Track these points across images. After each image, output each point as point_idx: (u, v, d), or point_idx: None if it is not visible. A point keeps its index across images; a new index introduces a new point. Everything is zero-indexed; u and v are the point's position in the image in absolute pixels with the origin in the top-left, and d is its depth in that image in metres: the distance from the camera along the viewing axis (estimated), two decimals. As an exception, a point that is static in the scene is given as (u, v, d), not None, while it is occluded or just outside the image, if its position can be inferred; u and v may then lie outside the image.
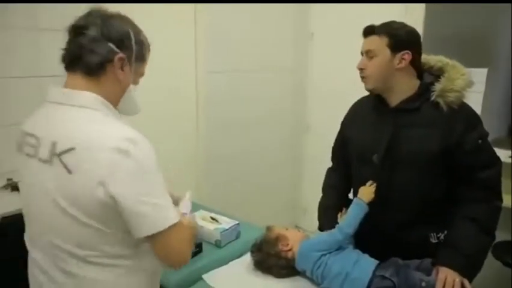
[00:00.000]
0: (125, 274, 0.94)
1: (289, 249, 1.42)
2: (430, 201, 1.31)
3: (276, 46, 2.72)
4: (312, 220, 1.62)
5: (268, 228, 1.53)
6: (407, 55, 1.26)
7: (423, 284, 1.20)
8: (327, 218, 1.44)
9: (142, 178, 0.85)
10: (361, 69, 1.31)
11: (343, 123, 1.55)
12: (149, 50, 1.02)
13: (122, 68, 0.93)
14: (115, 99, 0.96)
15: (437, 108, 1.25)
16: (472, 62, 1.44)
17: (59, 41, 0.93)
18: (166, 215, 0.88)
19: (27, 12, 1.81)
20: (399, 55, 1.26)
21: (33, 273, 0.98)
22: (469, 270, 1.24)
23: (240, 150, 2.61)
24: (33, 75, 1.88)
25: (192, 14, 2.24)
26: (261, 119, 2.72)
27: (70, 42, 0.92)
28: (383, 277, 1.23)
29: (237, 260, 1.60)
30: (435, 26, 2.40)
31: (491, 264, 1.92)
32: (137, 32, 0.97)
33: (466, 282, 1.21)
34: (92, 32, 0.90)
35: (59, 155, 0.85)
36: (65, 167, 0.84)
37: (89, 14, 0.93)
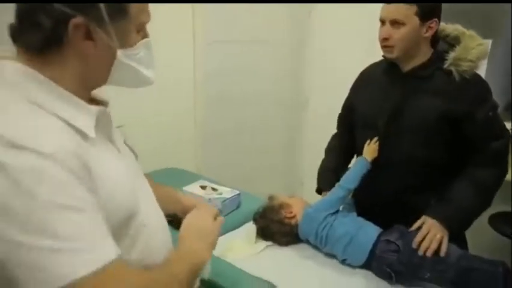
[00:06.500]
0: None
1: (293, 216, 1.42)
2: (434, 168, 1.31)
3: (275, 17, 2.65)
4: (309, 192, 1.63)
5: (271, 197, 1.53)
6: (434, 23, 1.22)
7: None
8: (326, 179, 1.43)
9: (25, 207, 0.52)
10: (385, 39, 1.25)
11: (351, 90, 1.53)
12: None
13: (87, 38, 0.62)
14: (94, 82, 0.69)
15: (449, 77, 1.23)
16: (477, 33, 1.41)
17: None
18: (78, 260, 0.54)
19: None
20: (427, 24, 1.22)
21: None
22: (454, 225, 1.23)
23: (238, 123, 2.59)
24: None
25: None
26: (259, 92, 2.68)
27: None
28: (388, 241, 1.25)
29: (237, 229, 1.60)
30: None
31: (487, 233, 1.97)
32: None
33: (445, 240, 1.20)
34: None
35: None
36: None
37: None
